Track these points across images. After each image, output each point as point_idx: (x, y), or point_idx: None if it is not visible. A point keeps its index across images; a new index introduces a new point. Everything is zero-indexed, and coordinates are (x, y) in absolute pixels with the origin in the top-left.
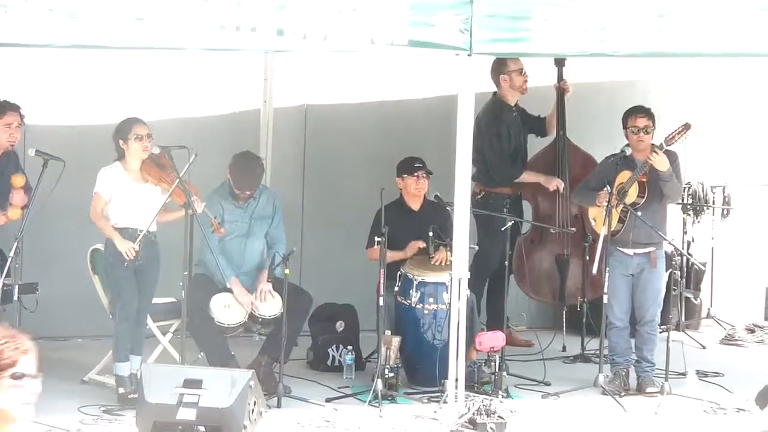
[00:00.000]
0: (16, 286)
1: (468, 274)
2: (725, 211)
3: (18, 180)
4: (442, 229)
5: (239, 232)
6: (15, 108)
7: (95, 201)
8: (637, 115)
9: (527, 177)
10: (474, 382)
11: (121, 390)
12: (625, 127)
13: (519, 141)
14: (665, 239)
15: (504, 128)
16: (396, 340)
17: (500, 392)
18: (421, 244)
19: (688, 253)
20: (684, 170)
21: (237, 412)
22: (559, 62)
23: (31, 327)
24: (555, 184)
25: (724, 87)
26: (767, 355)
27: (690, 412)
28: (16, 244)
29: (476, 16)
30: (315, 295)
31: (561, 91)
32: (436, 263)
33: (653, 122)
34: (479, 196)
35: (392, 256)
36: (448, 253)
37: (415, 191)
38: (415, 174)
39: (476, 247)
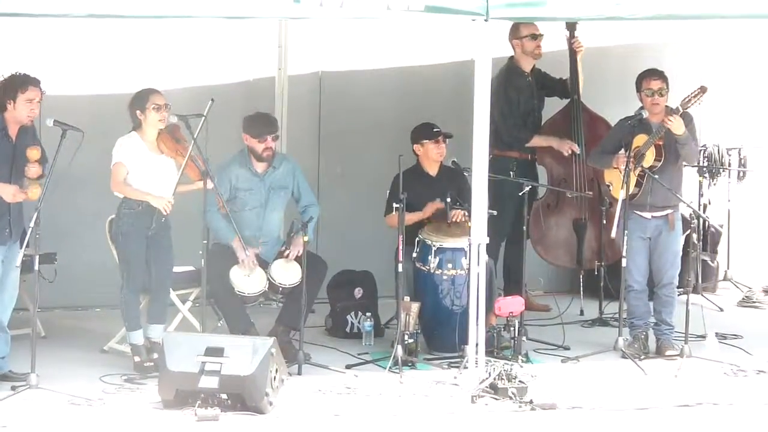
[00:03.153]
0: (36, 257)
1: (487, 240)
2: (741, 174)
3: (33, 153)
4: (460, 195)
5: (256, 202)
6: (36, 83)
7: (117, 170)
8: (651, 77)
9: (538, 141)
10: (493, 347)
11: (136, 358)
12: (639, 90)
13: (530, 106)
14: (683, 201)
15: (513, 92)
16: (415, 306)
17: (520, 357)
18: (440, 204)
19: (705, 216)
20: (699, 133)
21: (259, 380)
22: (571, 25)
23: (51, 297)
24: (567, 147)
25: (739, 49)
26: None
27: (710, 374)
28: (35, 214)
29: None
30: (332, 262)
31: (573, 52)
32: (454, 219)
33: (667, 85)
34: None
35: (411, 217)
36: (465, 215)
37: (437, 156)
38: (436, 139)
39: (494, 212)
